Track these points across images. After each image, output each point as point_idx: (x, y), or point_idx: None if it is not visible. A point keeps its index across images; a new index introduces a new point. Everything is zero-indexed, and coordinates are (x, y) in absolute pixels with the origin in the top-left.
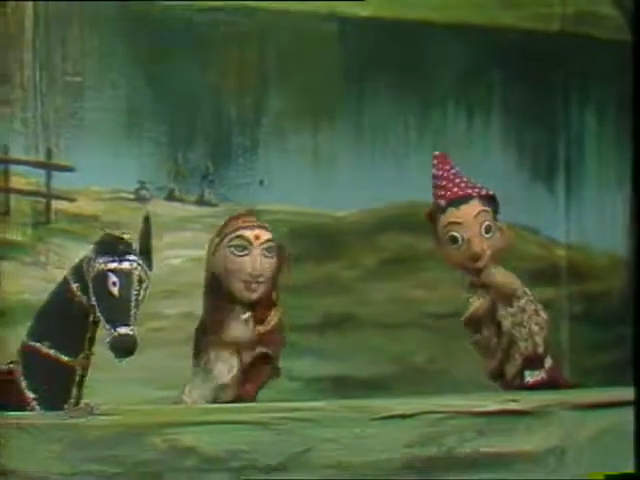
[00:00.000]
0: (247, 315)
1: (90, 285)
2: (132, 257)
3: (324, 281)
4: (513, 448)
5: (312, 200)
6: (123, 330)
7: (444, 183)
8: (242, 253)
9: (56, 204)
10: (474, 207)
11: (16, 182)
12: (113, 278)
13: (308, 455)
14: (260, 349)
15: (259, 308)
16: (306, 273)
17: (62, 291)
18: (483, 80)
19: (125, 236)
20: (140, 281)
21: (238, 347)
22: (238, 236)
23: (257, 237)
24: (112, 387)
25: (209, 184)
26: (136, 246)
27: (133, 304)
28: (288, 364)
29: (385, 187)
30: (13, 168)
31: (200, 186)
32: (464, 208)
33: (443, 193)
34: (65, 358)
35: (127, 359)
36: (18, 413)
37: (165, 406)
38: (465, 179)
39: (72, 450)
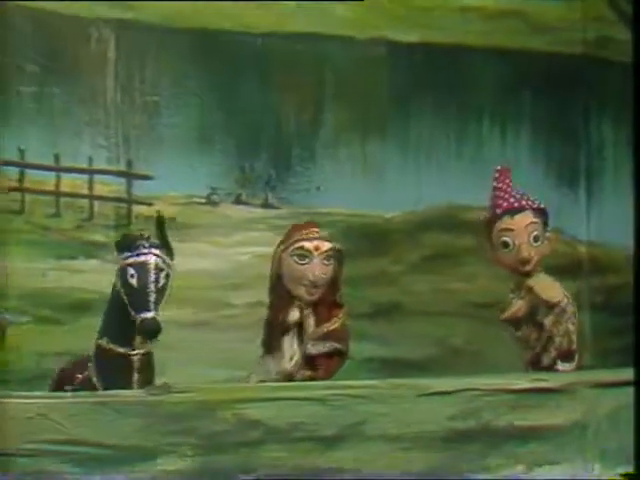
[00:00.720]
0: (308, 311)
1: (118, 280)
2: (147, 250)
3: (374, 275)
4: (542, 422)
5: (363, 203)
6: (145, 315)
7: (502, 194)
8: (303, 262)
9: (136, 208)
10: (526, 218)
11: (99, 190)
12: (131, 271)
13: (361, 427)
14: (331, 344)
15: (322, 308)
16: (358, 268)
17: (112, 290)
18: (514, 98)
19: (142, 234)
20: (159, 270)
21: (301, 339)
22: (300, 247)
23: (317, 248)
24: (186, 368)
25: (272, 189)
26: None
27: (152, 291)
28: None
29: (427, 191)
30: (97, 177)
31: (264, 191)
32: (518, 217)
33: (501, 203)
34: (121, 350)
35: (202, 342)
36: (105, 392)
37: (235, 384)
38: (521, 192)
39: (151, 424)
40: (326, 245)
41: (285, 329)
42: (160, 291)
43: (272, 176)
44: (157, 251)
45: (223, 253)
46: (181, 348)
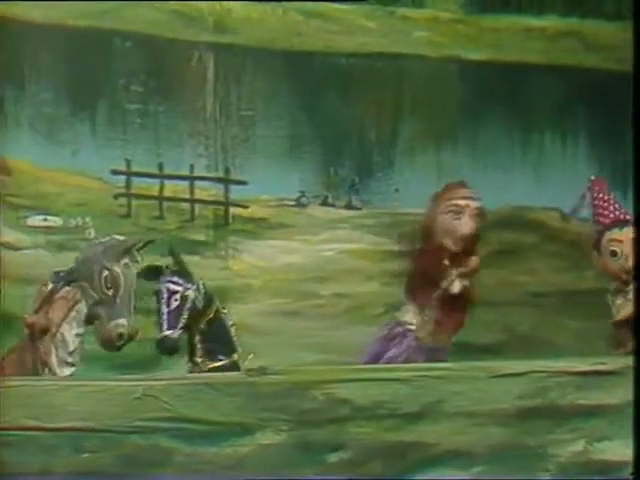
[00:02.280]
0: (453, 262)
1: None
2: (162, 278)
3: None
4: (601, 401)
5: None
6: (160, 335)
7: (605, 205)
8: (456, 217)
9: (233, 210)
10: (630, 231)
11: (200, 194)
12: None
13: (440, 405)
14: (463, 282)
15: (462, 256)
16: None
17: None
18: (572, 110)
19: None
20: (171, 293)
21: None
22: (454, 204)
23: (467, 206)
24: (280, 352)
25: (355, 192)
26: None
27: (164, 313)
28: None
29: (494, 194)
30: (197, 183)
31: (348, 194)
32: (625, 230)
33: (606, 214)
34: None
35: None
36: (206, 374)
37: (324, 366)
38: (618, 204)
39: (249, 402)
40: (475, 203)
41: (434, 277)
42: (173, 311)
43: (355, 180)
44: (171, 277)
45: (311, 250)
46: (275, 334)
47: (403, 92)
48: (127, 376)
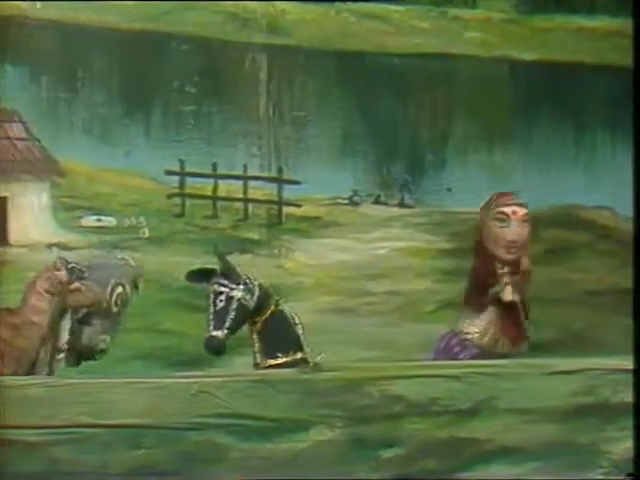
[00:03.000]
0: (505, 269)
1: None
2: (215, 280)
3: None
4: None
5: None
6: (207, 334)
7: None
8: (502, 225)
9: (286, 209)
10: None
11: (253, 194)
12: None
13: (493, 402)
14: (516, 290)
15: (513, 263)
16: None
17: None
18: (622, 110)
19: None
20: (216, 294)
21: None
22: (500, 212)
23: (514, 213)
24: (333, 349)
25: (407, 191)
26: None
27: (211, 313)
28: None
29: (548, 193)
30: (251, 183)
31: (400, 193)
32: None
33: None
34: None
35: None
36: (262, 371)
37: (379, 363)
38: None
39: (304, 399)
40: (522, 210)
41: (487, 284)
42: (219, 312)
43: (407, 179)
44: (218, 279)
45: (364, 248)
46: (328, 331)
47: (455, 92)
48: (183, 373)
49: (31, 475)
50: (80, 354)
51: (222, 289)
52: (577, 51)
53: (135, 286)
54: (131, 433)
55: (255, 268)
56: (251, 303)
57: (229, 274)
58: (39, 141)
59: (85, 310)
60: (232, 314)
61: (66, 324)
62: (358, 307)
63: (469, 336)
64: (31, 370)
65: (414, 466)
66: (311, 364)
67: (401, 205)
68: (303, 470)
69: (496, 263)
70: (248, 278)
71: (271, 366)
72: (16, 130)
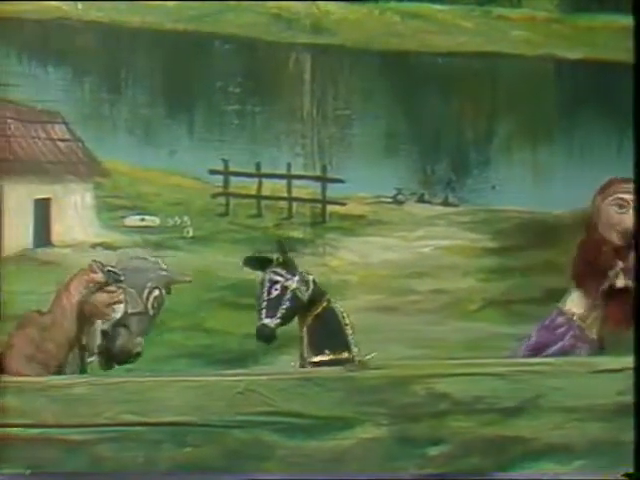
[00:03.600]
0: (619, 255)
1: None
2: (271, 269)
3: (544, 265)
4: None
5: (533, 202)
6: (258, 322)
7: None
8: (621, 211)
9: (330, 208)
10: None
11: (297, 193)
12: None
13: (539, 400)
14: (627, 277)
15: (626, 250)
16: (530, 258)
17: None
18: None
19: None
20: (272, 283)
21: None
22: (620, 198)
23: (632, 200)
24: (378, 347)
25: (452, 189)
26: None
27: (264, 301)
28: (520, 330)
29: (591, 192)
30: (295, 182)
31: (444, 191)
32: None
33: None
34: None
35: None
36: (308, 369)
37: (424, 361)
38: None
39: (350, 397)
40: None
41: (600, 269)
42: (272, 300)
43: (452, 177)
44: (275, 268)
45: (408, 246)
46: (373, 330)
47: (499, 90)
48: (229, 371)
49: (75, 474)
50: (114, 357)
51: (278, 278)
52: (621, 50)
53: (168, 292)
54: (176, 431)
55: (300, 266)
56: (305, 296)
57: (287, 265)
58: (82, 142)
59: (122, 313)
60: (285, 304)
61: (98, 327)
62: (403, 305)
63: (574, 316)
64: (58, 373)
65: (459, 464)
66: (357, 362)
67: (445, 203)
68: (349, 467)
69: (608, 248)
70: (304, 271)
71: (316, 362)
72: (59, 131)
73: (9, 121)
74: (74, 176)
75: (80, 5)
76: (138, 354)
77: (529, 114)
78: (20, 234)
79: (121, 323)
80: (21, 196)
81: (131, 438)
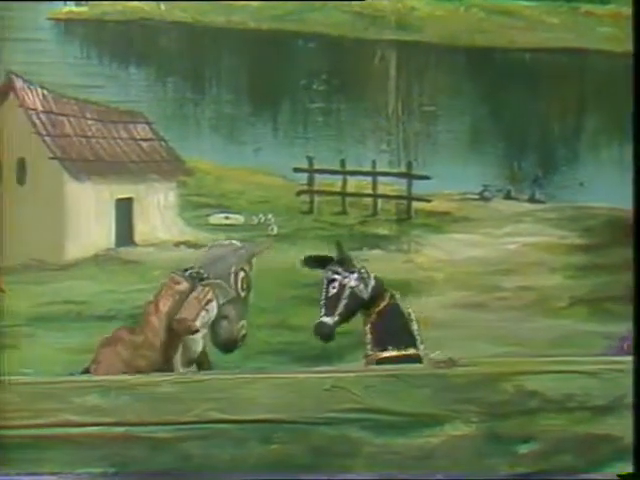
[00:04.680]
0: None
1: None
2: (330, 267)
3: (629, 262)
4: None
5: (622, 199)
6: (317, 320)
7: None
8: None
9: (415, 205)
10: None
11: (382, 189)
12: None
13: (629, 399)
14: None
15: None
16: (618, 256)
17: None
18: None
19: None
20: (330, 281)
21: None
22: None
23: None
24: (465, 344)
25: (539, 186)
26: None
27: (322, 299)
28: (608, 328)
29: None
30: (380, 179)
31: (531, 188)
32: None
33: None
34: None
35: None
36: (398, 365)
37: (513, 358)
38: None
39: (438, 394)
40: None
41: None
42: (330, 298)
43: (538, 174)
44: (333, 266)
45: (494, 243)
46: (459, 327)
47: (587, 86)
48: (316, 368)
49: (162, 472)
50: (221, 348)
51: (335, 276)
52: None
53: (251, 266)
54: (263, 428)
55: (384, 263)
56: (365, 293)
57: (344, 263)
58: (165, 141)
59: (216, 309)
60: (344, 302)
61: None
62: (490, 302)
63: None
64: None
65: (550, 462)
66: (446, 359)
67: (532, 200)
68: (438, 465)
69: None
70: (363, 269)
71: (381, 359)
72: (141, 131)
73: (90, 122)
74: (157, 175)
75: (163, 6)
76: (244, 336)
77: (617, 110)
78: (102, 234)
79: (220, 316)
80: (103, 196)
81: (218, 436)
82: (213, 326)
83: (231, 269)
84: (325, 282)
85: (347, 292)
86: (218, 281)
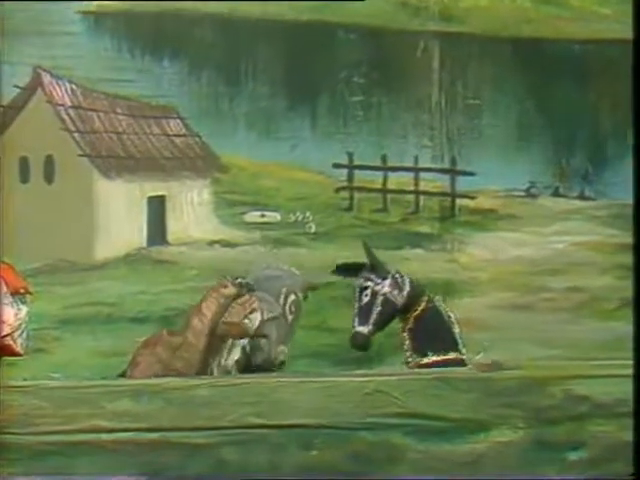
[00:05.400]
0: None
1: None
2: (362, 274)
3: None
4: None
5: None
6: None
7: None
8: None
9: (459, 202)
10: None
11: (424, 186)
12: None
13: None
14: None
15: None
16: None
17: None
18: None
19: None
20: (362, 289)
21: None
22: None
23: None
24: (511, 347)
25: (588, 183)
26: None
27: (356, 309)
28: None
29: None
30: (422, 175)
31: (580, 184)
32: None
33: None
34: None
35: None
36: (440, 369)
37: (562, 362)
38: None
39: (484, 398)
40: None
41: None
42: (364, 307)
43: (588, 170)
44: (365, 273)
45: (541, 242)
46: (505, 328)
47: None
48: (356, 372)
49: (198, 477)
50: (257, 369)
51: (368, 284)
52: None
53: (305, 297)
54: (302, 433)
55: (426, 263)
56: (399, 299)
57: (376, 268)
58: (199, 137)
59: (259, 321)
60: (377, 309)
61: (237, 343)
62: (536, 304)
63: None
64: None
65: (601, 469)
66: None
67: (581, 197)
68: (484, 472)
69: None
70: (397, 273)
71: (421, 365)
72: (174, 126)
73: (120, 117)
74: (190, 172)
75: None
76: (282, 363)
77: None
78: (133, 233)
79: (260, 333)
80: (134, 194)
81: (255, 441)
82: (251, 343)
83: (283, 289)
84: (357, 290)
85: (380, 299)
86: (267, 295)
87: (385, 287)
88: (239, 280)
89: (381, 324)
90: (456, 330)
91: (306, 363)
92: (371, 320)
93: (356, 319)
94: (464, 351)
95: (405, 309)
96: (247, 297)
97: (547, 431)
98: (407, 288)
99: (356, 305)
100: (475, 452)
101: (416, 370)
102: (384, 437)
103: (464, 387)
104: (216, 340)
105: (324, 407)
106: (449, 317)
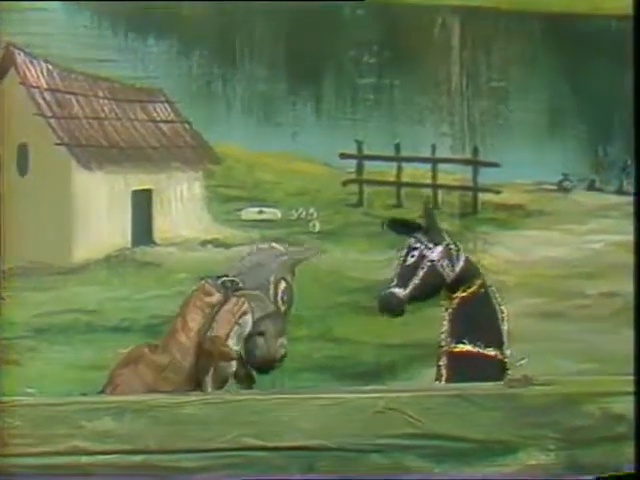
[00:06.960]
0: None
1: None
2: (415, 234)
3: None
4: None
5: None
6: (385, 290)
7: None
8: None
9: (482, 196)
10: None
11: (443, 179)
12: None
13: None
14: None
15: None
16: None
17: None
18: None
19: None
20: (410, 249)
21: None
22: None
23: None
24: (541, 359)
25: (627, 175)
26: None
27: (398, 266)
28: None
29: None
30: (441, 166)
31: (619, 177)
32: None
33: None
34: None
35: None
36: (461, 384)
37: (598, 376)
38: None
39: (511, 417)
40: None
41: None
42: (406, 268)
43: (627, 161)
44: (418, 234)
45: (575, 241)
46: (534, 339)
47: None
48: (365, 387)
49: None
50: (257, 369)
51: (417, 245)
52: None
53: (293, 276)
54: (304, 456)
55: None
56: (449, 272)
57: (430, 232)
58: (190, 124)
59: (251, 323)
60: (420, 274)
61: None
62: (569, 311)
63: None
64: None
65: None
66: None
67: (620, 192)
68: None
69: None
70: (454, 244)
71: (453, 353)
72: (161, 111)
73: (102, 101)
74: (180, 163)
75: None
76: (283, 357)
77: None
78: (116, 232)
79: (255, 332)
80: (117, 187)
81: (252, 465)
82: (247, 343)
83: (271, 278)
84: (405, 250)
85: (426, 265)
86: (255, 292)
87: (435, 253)
88: (222, 279)
89: (421, 293)
90: (504, 327)
91: (309, 377)
92: (411, 284)
93: (395, 279)
94: (508, 353)
95: (453, 286)
96: (234, 301)
97: (581, 453)
98: (460, 263)
99: (399, 265)
100: (500, 476)
101: (433, 385)
102: (397, 460)
103: (488, 404)
104: (207, 356)
105: (329, 427)
106: (501, 311)
